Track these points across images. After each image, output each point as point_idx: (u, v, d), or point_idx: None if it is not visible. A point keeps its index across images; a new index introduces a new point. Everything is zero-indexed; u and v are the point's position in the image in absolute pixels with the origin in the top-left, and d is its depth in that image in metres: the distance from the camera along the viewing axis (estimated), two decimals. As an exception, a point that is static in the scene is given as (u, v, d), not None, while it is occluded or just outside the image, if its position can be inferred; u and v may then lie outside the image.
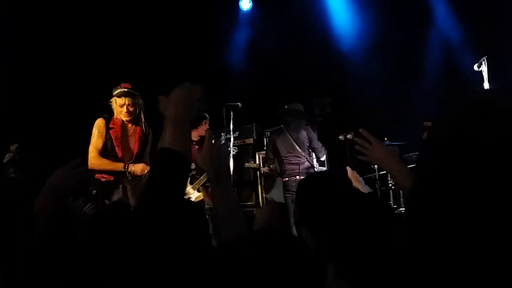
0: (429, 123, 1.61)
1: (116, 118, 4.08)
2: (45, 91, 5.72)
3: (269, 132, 5.39)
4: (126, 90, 4.00)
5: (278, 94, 6.44)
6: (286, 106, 5.20)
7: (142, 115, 4.12)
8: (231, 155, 4.52)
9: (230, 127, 4.80)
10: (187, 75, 6.37)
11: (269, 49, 6.75)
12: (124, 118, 4.04)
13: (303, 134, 4.98)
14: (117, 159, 3.99)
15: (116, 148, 4.03)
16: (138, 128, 4.14)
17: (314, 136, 5.09)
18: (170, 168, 1.29)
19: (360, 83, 6.19)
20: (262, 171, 5.55)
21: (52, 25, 5.75)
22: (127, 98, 4.00)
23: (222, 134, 4.94)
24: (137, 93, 4.05)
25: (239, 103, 4.93)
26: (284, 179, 4.89)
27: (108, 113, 4.07)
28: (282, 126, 5.07)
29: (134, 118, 4.06)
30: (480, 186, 0.58)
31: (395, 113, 5.67)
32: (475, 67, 4.20)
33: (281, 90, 6.43)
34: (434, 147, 0.66)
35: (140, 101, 4.09)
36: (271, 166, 5.13)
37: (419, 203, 0.65)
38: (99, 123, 4.08)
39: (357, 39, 6.48)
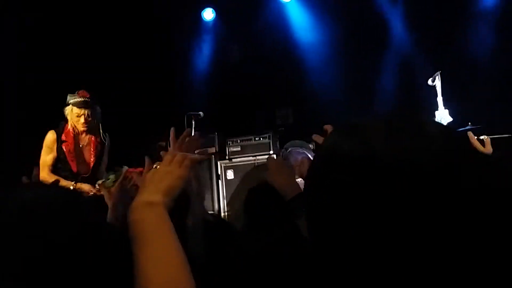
0: (329, 127, 1.60)
1: (68, 129, 3.94)
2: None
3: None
4: (84, 100, 3.86)
5: (240, 103, 6.49)
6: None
7: (100, 125, 4.02)
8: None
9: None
10: (147, 85, 6.38)
11: (232, 59, 6.80)
12: (81, 128, 3.92)
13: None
14: (71, 174, 3.88)
15: (70, 162, 3.92)
16: (94, 137, 4.02)
17: None
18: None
19: (320, 94, 6.30)
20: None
21: None
22: (86, 109, 3.87)
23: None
24: (95, 103, 3.93)
25: (201, 112, 4.93)
26: None
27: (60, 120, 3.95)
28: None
29: (90, 128, 3.95)
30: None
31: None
32: (429, 82, 4.37)
33: (243, 99, 6.48)
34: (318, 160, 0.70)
35: (98, 110, 3.98)
36: None
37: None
38: (49, 137, 3.95)
39: (317, 51, 6.60)
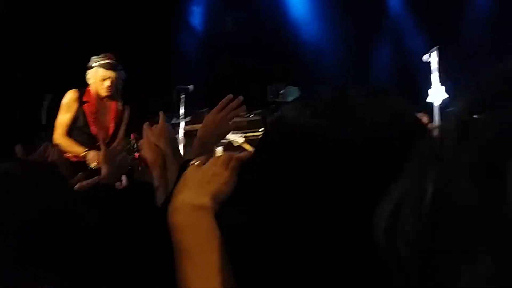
0: None
1: (91, 91, 3.70)
2: None
3: None
4: (112, 62, 3.65)
5: (232, 78, 6.36)
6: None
7: (120, 93, 3.80)
8: (179, 139, 4.35)
9: (180, 111, 4.65)
10: (136, 54, 6.23)
11: (225, 32, 6.65)
12: (104, 93, 3.67)
13: None
14: (89, 137, 3.64)
15: (90, 124, 3.67)
16: (115, 103, 3.79)
17: None
18: None
19: (314, 70, 6.20)
20: None
21: None
22: (112, 72, 3.65)
23: (171, 118, 4.78)
24: (121, 69, 3.74)
25: (191, 86, 4.78)
26: None
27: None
28: None
29: (113, 93, 3.72)
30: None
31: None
32: (424, 58, 4.25)
33: (235, 74, 6.35)
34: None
35: (123, 76, 3.76)
36: None
37: None
38: (70, 96, 3.69)
39: (312, 25, 6.49)
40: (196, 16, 6.86)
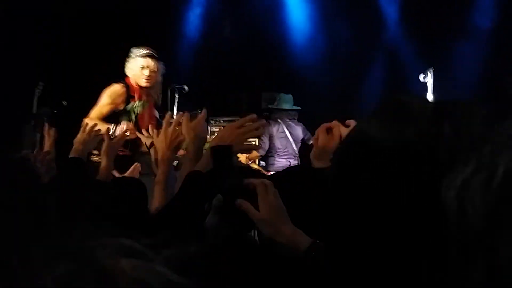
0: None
1: (132, 84, 3.60)
2: None
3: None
4: (151, 51, 3.60)
5: (227, 83, 6.35)
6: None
7: (160, 85, 3.76)
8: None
9: (173, 111, 4.63)
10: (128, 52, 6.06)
11: (223, 35, 6.65)
12: (143, 83, 3.58)
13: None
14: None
15: (139, 119, 3.54)
16: (152, 98, 3.72)
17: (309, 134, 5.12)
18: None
19: (308, 79, 6.23)
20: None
21: None
22: (152, 60, 3.58)
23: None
24: (160, 60, 3.67)
25: (185, 87, 4.76)
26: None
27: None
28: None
29: (152, 84, 3.64)
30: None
31: (342, 114, 5.73)
32: (421, 78, 4.29)
33: (231, 79, 6.34)
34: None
35: (162, 67, 3.70)
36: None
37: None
38: (117, 89, 3.56)
39: (309, 33, 6.54)
40: (194, 19, 6.85)
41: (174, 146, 1.85)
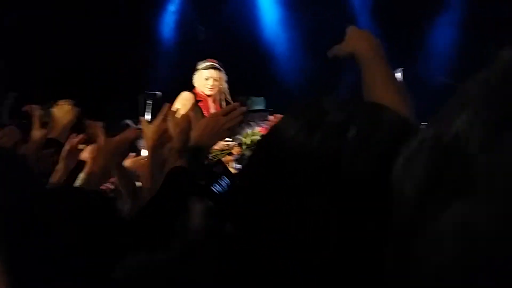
0: None
1: (199, 93, 4.04)
2: None
3: None
4: (212, 64, 4.11)
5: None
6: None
7: (225, 94, 4.14)
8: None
9: (146, 117, 4.60)
10: (106, 56, 6.15)
11: (199, 41, 6.64)
12: (208, 92, 4.03)
13: None
14: None
15: None
16: (219, 105, 4.07)
17: None
18: None
19: (282, 82, 6.26)
20: None
21: None
22: (214, 71, 4.04)
23: (136, 125, 4.72)
24: (222, 69, 4.12)
25: (159, 92, 4.75)
26: None
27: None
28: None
29: (216, 93, 4.06)
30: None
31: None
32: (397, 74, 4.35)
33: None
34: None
35: (225, 77, 4.12)
36: None
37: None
38: (186, 96, 4.03)
39: (285, 43, 6.56)
40: (169, 24, 6.82)
41: (160, 134, 1.79)
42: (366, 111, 0.63)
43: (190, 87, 4.20)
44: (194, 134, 1.61)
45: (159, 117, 1.79)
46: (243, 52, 6.47)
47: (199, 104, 4.00)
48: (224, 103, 4.15)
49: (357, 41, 1.43)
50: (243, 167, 0.67)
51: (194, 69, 4.23)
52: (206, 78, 4.07)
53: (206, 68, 4.10)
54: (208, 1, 6.64)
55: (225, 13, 6.58)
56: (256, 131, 3.75)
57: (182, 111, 3.60)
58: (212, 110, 4.04)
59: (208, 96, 4.11)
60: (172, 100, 5.34)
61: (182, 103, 3.91)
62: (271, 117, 4.24)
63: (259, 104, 5.46)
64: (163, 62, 6.60)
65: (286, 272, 0.60)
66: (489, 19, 5.59)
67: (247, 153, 3.68)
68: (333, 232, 0.56)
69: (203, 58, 6.43)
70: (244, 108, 1.75)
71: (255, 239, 0.63)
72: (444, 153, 0.39)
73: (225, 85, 4.19)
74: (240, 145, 3.68)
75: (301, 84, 6.22)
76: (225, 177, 1.27)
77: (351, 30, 1.48)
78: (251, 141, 3.65)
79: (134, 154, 2.72)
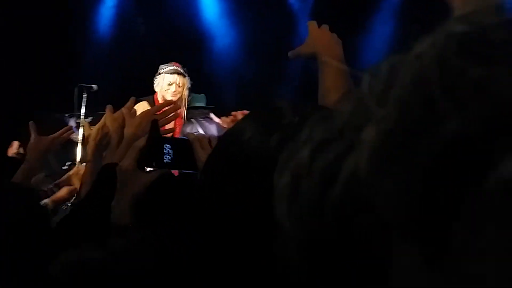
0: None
1: (157, 99, 3.79)
2: None
3: None
4: (177, 68, 3.86)
5: (140, 83, 6.20)
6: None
7: (186, 100, 3.93)
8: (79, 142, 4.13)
9: (81, 111, 4.43)
10: (38, 47, 5.91)
11: (136, 35, 6.49)
12: (170, 97, 3.77)
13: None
14: None
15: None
16: (179, 110, 3.76)
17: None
18: None
19: (226, 80, 6.25)
20: None
21: None
22: (178, 76, 3.82)
23: (71, 118, 4.53)
24: (187, 75, 3.90)
25: (94, 86, 4.58)
26: None
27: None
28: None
29: (177, 100, 3.81)
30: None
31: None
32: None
33: (143, 80, 6.20)
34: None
35: (189, 82, 3.91)
36: None
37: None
38: (145, 105, 3.53)
39: (226, 42, 6.55)
40: (107, 17, 6.63)
41: (99, 138, 1.78)
42: (320, 114, 0.64)
43: (148, 91, 3.94)
44: (127, 131, 1.57)
45: (101, 121, 1.77)
46: (183, 48, 6.39)
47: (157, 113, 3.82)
48: (184, 110, 3.98)
49: (317, 40, 1.43)
50: (202, 169, 0.68)
51: (155, 72, 3.99)
52: (170, 83, 3.83)
53: (170, 72, 3.86)
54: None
55: (165, 8, 6.47)
56: None
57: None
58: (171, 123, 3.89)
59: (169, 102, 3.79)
60: (108, 94, 5.22)
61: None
62: (212, 115, 4.23)
63: (200, 101, 5.40)
64: (100, 55, 6.40)
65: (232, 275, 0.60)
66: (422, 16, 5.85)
67: None
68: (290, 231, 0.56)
69: (141, 53, 6.36)
70: (178, 106, 1.80)
71: (209, 238, 0.63)
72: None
73: (187, 92, 3.98)
74: None
75: (241, 81, 6.23)
76: (167, 145, 1.28)
77: (311, 28, 1.47)
78: None
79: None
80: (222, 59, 6.39)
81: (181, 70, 3.90)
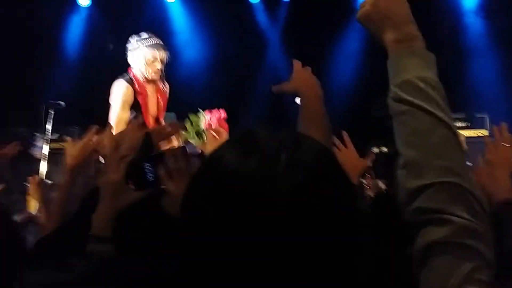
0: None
1: (137, 78, 3.34)
2: None
3: None
4: (159, 42, 3.36)
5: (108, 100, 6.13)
6: None
7: (164, 75, 3.50)
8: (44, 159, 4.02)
9: (47, 128, 4.32)
10: (5, 64, 5.78)
11: (104, 51, 6.43)
12: (153, 76, 3.34)
13: None
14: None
15: (145, 118, 3.31)
16: (156, 86, 3.48)
17: None
18: None
19: (191, 96, 6.23)
20: None
21: None
22: (161, 51, 3.33)
23: (37, 134, 4.43)
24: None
25: (62, 102, 4.50)
26: None
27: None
28: None
29: (158, 78, 3.43)
30: None
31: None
32: (297, 100, 4.47)
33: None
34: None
35: (168, 55, 3.43)
36: None
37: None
38: (125, 91, 3.31)
39: (197, 56, 6.54)
40: (74, 32, 6.56)
41: (85, 155, 1.81)
42: (295, 139, 0.68)
43: (122, 67, 3.52)
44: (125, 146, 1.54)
45: (86, 137, 1.80)
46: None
47: (139, 98, 3.36)
48: (162, 84, 3.56)
49: (300, 81, 1.58)
50: (184, 192, 0.69)
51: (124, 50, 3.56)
52: (153, 60, 3.34)
53: (152, 46, 3.35)
54: (116, 11, 6.47)
55: (135, 25, 6.45)
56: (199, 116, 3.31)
57: (127, 110, 3.36)
58: (152, 100, 3.47)
59: (148, 81, 3.43)
60: (75, 111, 5.13)
61: (125, 100, 3.33)
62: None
63: (170, 118, 5.38)
64: (69, 72, 6.32)
65: None
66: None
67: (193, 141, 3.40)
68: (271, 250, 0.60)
69: (110, 70, 6.27)
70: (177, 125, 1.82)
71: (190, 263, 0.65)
72: None
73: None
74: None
75: (209, 97, 6.21)
76: (147, 163, 1.27)
77: (296, 67, 1.61)
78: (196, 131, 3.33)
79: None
80: (191, 75, 6.38)
81: (163, 43, 3.49)
